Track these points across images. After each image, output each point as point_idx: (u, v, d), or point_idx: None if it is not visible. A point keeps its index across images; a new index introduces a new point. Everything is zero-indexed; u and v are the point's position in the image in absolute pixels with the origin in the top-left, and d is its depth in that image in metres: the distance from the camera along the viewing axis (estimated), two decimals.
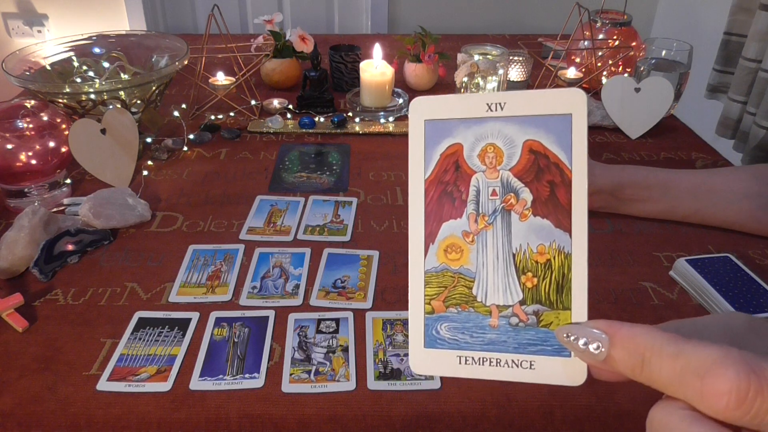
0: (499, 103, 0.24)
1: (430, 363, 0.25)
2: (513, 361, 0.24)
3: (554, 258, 0.23)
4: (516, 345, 0.24)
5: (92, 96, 0.85)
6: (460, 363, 0.25)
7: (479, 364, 0.24)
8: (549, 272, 0.24)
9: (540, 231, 0.24)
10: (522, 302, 0.24)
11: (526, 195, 0.24)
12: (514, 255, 0.24)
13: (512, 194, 0.24)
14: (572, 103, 0.23)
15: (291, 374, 0.53)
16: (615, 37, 1.16)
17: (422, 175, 0.26)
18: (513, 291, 0.24)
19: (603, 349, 0.22)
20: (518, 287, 0.24)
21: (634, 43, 1.15)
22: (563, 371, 0.24)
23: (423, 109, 0.25)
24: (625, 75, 1.05)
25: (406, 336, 0.57)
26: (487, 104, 0.24)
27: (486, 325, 0.24)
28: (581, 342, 0.22)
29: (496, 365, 0.24)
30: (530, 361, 0.24)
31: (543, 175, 0.24)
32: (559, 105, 0.23)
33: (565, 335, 0.22)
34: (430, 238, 0.26)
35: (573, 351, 0.22)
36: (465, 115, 0.25)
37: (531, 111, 0.24)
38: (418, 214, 0.26)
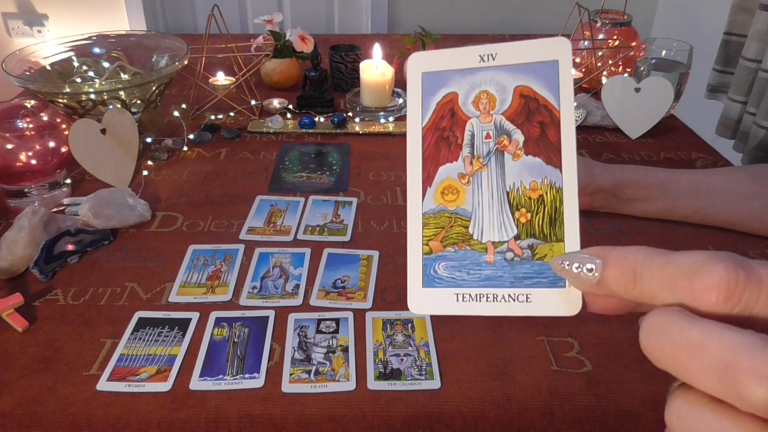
0: (491, 54, 0.26)
1: (428, 302, 0.25)
2: (509, 295, 0.24)
3: (546, 193, 0.24)
4: (512, 279, 0.24)
5: (92, 96, 0.85)
6: (457, 300, 0.25)
7: (476, 301, 0.25)
8: (542, 207, 0.24)
9: (532, 169, 0.25)
10: (517, 237, 0.25)
11: (518, 136, 0.25)
12: (507, 193, 0.25)
13: (505, 136, 0.26)
14: (558, 49, 0.25)
15: (291, 374, 0.53)
16: (615, 37, 1.16)
17: (420, 123, 0.28)
18: (508, 227, 0.25)
19: (596, 272, 0.22)
20: (513, 223, 0.25)
21: (634, 43, 1.15)
22: (559, 302, 0.24)
23: (420, 63, 0.27)
24: (625, 75, 1.05)
25: (406, 336, 0.58)
26: (480, 55, 0.26)
27: (482, 262, 0.25)
28: (575, 267, 0.22)
29: (493, 300, 0.24)
30: (526, 294, 0.24)
31: (533, 116, 0.25)
32: (546, 52, 0.25)
33: (559, 264, 0.22)
34: (427, 181, 0.28)
35: (568, 278, 0.22)
36: (459, 66, 0.27)
37: (520, 60, 0.26)
38: (416, 160, 0.28)
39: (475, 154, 0.26)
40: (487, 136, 0.26)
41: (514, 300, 0.24)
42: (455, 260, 0.25)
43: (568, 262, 0.22)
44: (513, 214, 0.25)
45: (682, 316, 0.20)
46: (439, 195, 0.27)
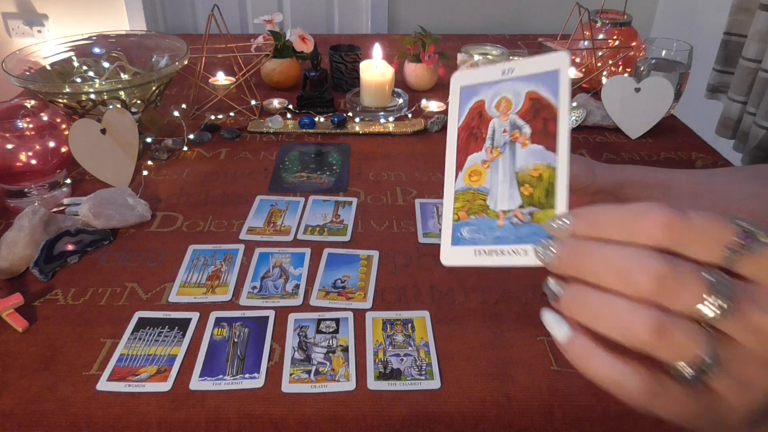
0: (510, 69, 0.34)
1: (454, 256, 0.33)
2: (513, 250, 0.31)
3: (544, 172, 0.31)
4: (515, 238, 0.31)
5: (92, 96, 0.85)
6: (475, 255, 0.32)
7: (488, 255, 0.31)
8: (540, 183, 0.31)
9: (536, 154, 0.32)
10: (520, 206, 0.31)
11: (527, 129, 0.32)
12: (516, 173, 0.32)
13: (517, 130, 0.33)
14: (559, 61, 0.32)
15: (291, 374, 0.53)
16: (615, 37, 1.16)
17: (456, 124, 0.36)
18: (515, 198, 0.32)
19: (570, 223, 0.28)
20: (518, 196, 0.32)
21: (634, 43, 1.15)
22: None
23: (459, 79, 0.36)
24: (625, 75, 1.05)
25: (406, 336, 0.58)
26: (502, 71, 0.35)
27: (495, 226, 0.32)
28: (556, 224, 0.29)
29: (501, 254, 0.31)
30: (525, 249, 0.30)
31: (539, 114, 0.32)
32: (550, 64, 0.32)
33: (549, 224, 0.29)
34: (459, 167, 0.35)
35: (554, 233, 0.29)
36: (486, 80, 0.35)
37: (531, 71, 0.33)
38: (452, 151, 0.36)
39: (494, 145, 0.34)
40: (504, 131, 0.33)
41: (515, 253, 0.30)
42: (476, 225, 0.33)
43: (554, 222, 0.29)
44: (519, 189, 0.32)
45: (597, 242, 0.27)
46: (467, 177, 0.34)
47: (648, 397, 0.26)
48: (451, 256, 0.33)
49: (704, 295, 0.24)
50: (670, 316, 0.24)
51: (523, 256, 0.30)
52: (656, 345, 0.24)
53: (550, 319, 0.29)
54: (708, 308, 0.24)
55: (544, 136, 0.31)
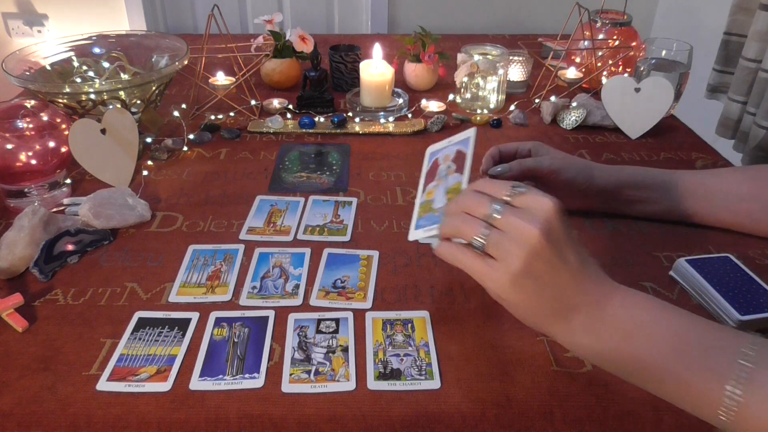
0: (451, 139, 0.59)
1: (414, 235, 0.55)
2: (436, 226, 0.52)
3: (458, 186, 0.53)
4: (439, 221, 0.51)
5: (92, 96, 0.85)
6: (425, 232, 0.53)
7: (427, 231, 0.53)
8: (456, 192, 0.53)
9: (456, 178, 0.55)
10: (445, 205, 0.53)
11: (453, 166, 0.56)
12: (446, 189, 0.55)
13: (450, 168, 0.57)
14: (471, 132, 0.57)
15: (291, 374, 0.53)
16: (615, 37, 1.16)
17: (425, 170, 0.61)
18: (444, 201, 0.54)
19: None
20: (445, 199, 0.54)
21: (634, 43, 1.15)
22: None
23: (430, 148, 0.62)
24: (625, 75, 1.05)
25: (406, 336, 0.58)
26: (448, 140, 0.60)
27: (435, 216, 0.53)
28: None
29: (431, 230, 0.52)
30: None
31: (459, 158, 0.56)
32: (467, 134, 0.57)
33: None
34: (423, 191, 0.59)
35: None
36: (442, 146, 0.60)
37: (460, 139, 0.58)
38: (421, 183, 0.60)
39: (440, 177, 0.57)
40: (449, 171, 0.57)
41: (436, 227, 0.52)
42: (426, 219, 0.55)
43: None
44: (446, 196, 0.54)
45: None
46: (426, 195, 0.58)
47: (471, 264, 0.46)
48: (413, 234, 0.55)
49: (488, 210, 0.46)
50: (468, 219, 0.47)
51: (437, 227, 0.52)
52: (462, 232, 0.47)
53: (434, 241, 0.51)
54: (491, 212, 0.46)
55: (459, 166, 0.55)
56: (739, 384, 0.38)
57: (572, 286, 0.45)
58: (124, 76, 0.99)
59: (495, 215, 0.45)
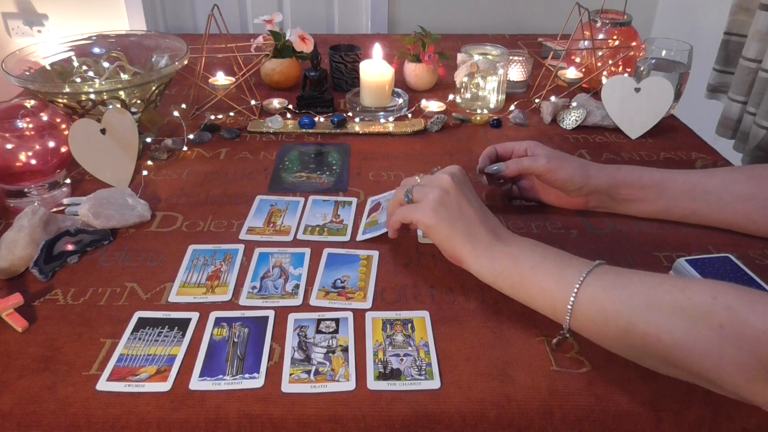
0: (387, 194, 0.81)
1: (361, 237, 0.72)
2: (381, 231, 0.71)
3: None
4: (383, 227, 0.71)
5: (92, 96, 0.85)
6: (371, 233, 0.72)
7: (371, 232, 0.72)
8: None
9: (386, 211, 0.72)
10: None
11: (385, 203, 0.76)
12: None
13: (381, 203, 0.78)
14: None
15: (291, 374, 0.53)
16: (615, 37, 1.16)
17: (369, 207, 0.78)
18: (385, 217, 0.71)
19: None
20: (386, 219, 0.70)
21: (634, 43, 1.15)
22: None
23: (371, 197, 0.81)
24: (625, 75, 1.05)
25: (406, 336, 0.58)
26: (388, 192, 0.81)
27: (379, 224, 0.72)
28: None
29: (376, 232, 0.71)
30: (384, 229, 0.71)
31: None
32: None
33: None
34: (368, 217, 0.76)
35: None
36: (382, 196, 0.80)
37: (391, 192, 0.80)
38: (366, 214, 0.77)
39: (381, 210, 0.75)
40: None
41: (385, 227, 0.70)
42: (371, 230, 0.72)
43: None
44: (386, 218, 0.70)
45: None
46: (370, 219, 0.75)
47: (406, 210, 0.63)
48: (360, 236, 0.72)
49: (407, 191, 0.64)
50: (399, 190, 0.66)
51: (384, 228, 0.70)
52: (397, 196, 0.66)
53: (382, 229, 0.71)
54: (410, 190, 0.64)
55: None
56: (576, 288, 0.52)
57: (475, 219, 0.60)
58: (124, 76, 0.99)
59: (417, 180, 0.65)
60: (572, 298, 0.51)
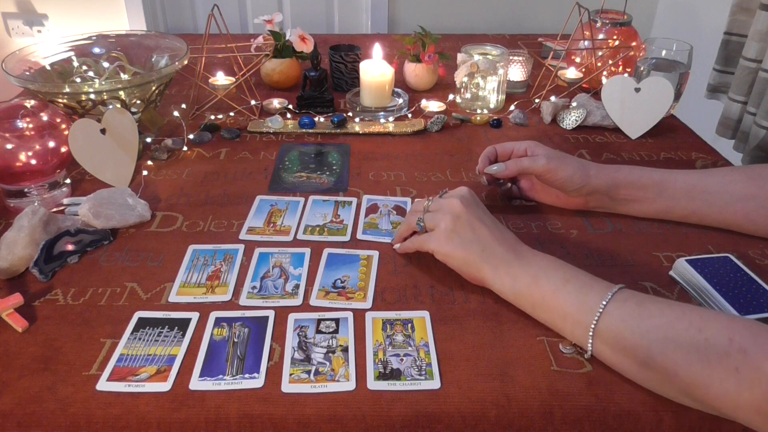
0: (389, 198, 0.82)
1: (362, 237, 0.73)
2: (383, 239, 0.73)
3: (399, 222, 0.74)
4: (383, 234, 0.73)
5: (92, 96, 0.85)
6: (367, 234, 0.74)
7: (375, 237, 0.73)
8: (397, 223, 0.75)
9: (398, 218, 0.76)
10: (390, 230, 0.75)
11: (393, 211, 0.78)
12: (390, 221, 0.75)
13: (390, 212, 0.78)
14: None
15: (291, 374, 0.53)
16: (615, 37, 1.16)
17: (366, 206, 0.81)
18: (386, 225, 0.74)
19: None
20: (390, 225, 0.75)
21: (634, 43, 1.15)
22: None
23: (366, 195, 0.83)
24: (625, 75, 1.05)
25: (406, 336, 0.58)
26: (388, 198, 0.82)
27: (380, 230, 0.75)
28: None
29: (385, 238, 0.73)
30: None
31: (398, 209, 0.78)
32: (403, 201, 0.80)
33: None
34: (364, 216, 0.78)
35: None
36: (379, 197, 0.82)
37: (396, 200, 0.81)
38: (363, 214, 0.77)
39: (380, 213, 0.77)
40: (388, 212, 0.77)
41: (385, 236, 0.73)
42: (373, 232, 0.74)
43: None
44: (391, 225, 0.75)
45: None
46: (369, 220, 0.76)
47: (419, 239, 0.65)
48: (361, 236, 0.73)
49: (420, 216, 0.64)
50: (410, 216, 0.67)
51: (385, 237, 0.72)
52: (409, 223, 0.66)
53: (397, 246, 0.69)
54: (421, 218, 0.64)
55: (403, 214, 0.76)
56: (596, 317, 0.52)
57: (490, 239, 0.60)
58: (124, 76, 0.99)
59: (427, 206, 0.65)
60: (593, 324, 0.52)
